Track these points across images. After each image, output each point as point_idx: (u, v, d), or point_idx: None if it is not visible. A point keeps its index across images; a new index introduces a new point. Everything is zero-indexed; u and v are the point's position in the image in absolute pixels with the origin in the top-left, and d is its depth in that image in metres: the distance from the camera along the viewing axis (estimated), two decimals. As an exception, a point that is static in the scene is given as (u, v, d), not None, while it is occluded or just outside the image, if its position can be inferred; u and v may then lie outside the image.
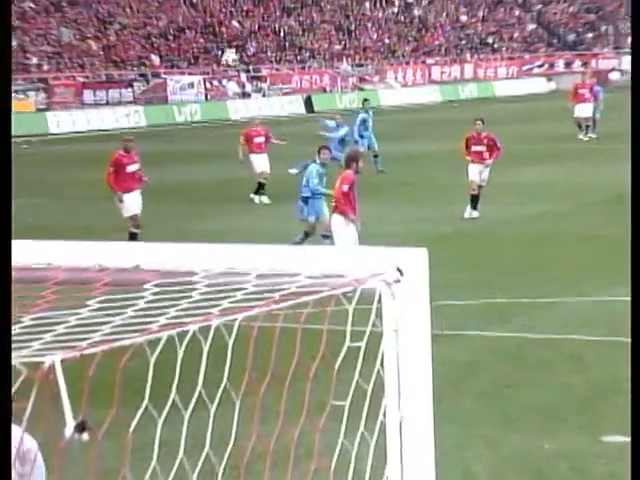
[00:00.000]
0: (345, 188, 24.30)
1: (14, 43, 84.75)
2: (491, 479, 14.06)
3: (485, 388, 17.42)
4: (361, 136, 43.65)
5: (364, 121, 45.43)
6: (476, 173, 32.95)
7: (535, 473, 14.30)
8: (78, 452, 10.82)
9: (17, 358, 5.17)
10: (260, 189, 39.01)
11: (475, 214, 32.44)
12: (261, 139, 40.90)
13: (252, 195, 39.15)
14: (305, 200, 27.74)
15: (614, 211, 32.60)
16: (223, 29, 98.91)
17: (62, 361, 5.22)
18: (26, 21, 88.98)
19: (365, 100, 51.30)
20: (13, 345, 5.33)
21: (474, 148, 33.44)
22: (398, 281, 4.74)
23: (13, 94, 77.15)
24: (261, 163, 39.68)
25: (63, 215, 35.42)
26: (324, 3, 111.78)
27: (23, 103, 76.25)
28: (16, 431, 10.15)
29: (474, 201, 32.60)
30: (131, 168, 29.04)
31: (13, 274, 5.33)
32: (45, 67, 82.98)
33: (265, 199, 38.57)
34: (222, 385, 5.32)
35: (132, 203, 28.80)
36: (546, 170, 37.75)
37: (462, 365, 17.73)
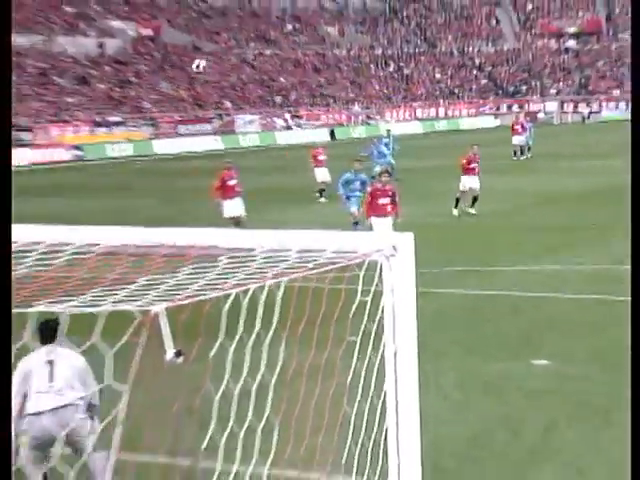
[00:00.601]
0: (371, 193, 24.24)
1: (132, 93, 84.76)
2: (455, 391, 14.05)
3: (451, 329, 17.45)
4: (384, 154, 43.15)
5: (386, 144, 45.09)
6: (469, 183, 32.81)
7: (487, 388, 14.29)
8: (175, 372, 10.73)
9: (135, 307, 5.17)
10: (321, 192, 38.58)
11: (455, 212, 32.27)
12: (323, 157, 40.46)
13: (317, 195, 38.64)
14: (348, 198, 27.71)
15: (544, 209, 32.73)
16: (273, 82, 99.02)
17: (165, 309, 5.24)
18: (140, 77, 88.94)
19: (388, 130, 51.20)
20: (131, 298, 5.34)
21: (472, 165, 33.27)
22: (393, 255, 4.83)
23: (131, 127, 77.20)
24: (322, 174, 39.33)
25: (169, 211, 35.30)
26: (342, 65, 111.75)
27: (138, 134, 76.19)
28: (66, 351, 10.06)
29: (457, 202, 32.51)
30: (231, 182, 29.14)
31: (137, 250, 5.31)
32: (153, 109, 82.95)
33: (323, 199, 38.01)
34: (273, 326, 5.33)
35: (232, 207, 28.78)
36: (492, 180, 37.47)
37: (434, 313, 17.69)
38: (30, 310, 5.67)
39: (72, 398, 9.66)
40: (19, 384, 9.52)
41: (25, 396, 9.51)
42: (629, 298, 6.43)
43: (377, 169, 34.15)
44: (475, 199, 32.78)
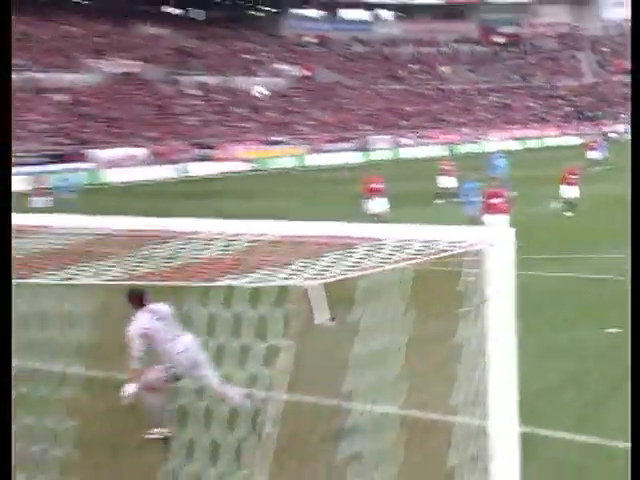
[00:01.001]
0: (485, 195, 23.88)
1: (292, 119, 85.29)
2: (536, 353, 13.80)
3: (548, 305, 17.01)
4: (497, 166, 42.02)
5: (498, 157, 44.25)
6: (568, 191, 32.32)
7: (563, 352, 13.97)
8: (325, 332, 10.72)
9: (295, 281, 5.27)
10: (441, 195, 37.27)
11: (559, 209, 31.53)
12: (449, 167, 39.34)
13: (436, 197, 37.49)
14: (467, 202, 27.35)
15: (622, 209, 32.03)
16: (401, 110, 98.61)
17: (320, 284, 5.34)
18: (299, 107, 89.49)
19: (499, 150, 50.45)
20: (288, 279, 5.45)
21: (571, 176, 32.74)
22: (493, 245, 4.80)
23: (291, 145, 77.81)
24: (447, 181, 38.05)
25: (318, 210, 35.21)
26: (454, 96, 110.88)
27: (296, 150, 76.84)
28: (163, 306, 10.00)
29: (562, 205, 32.10)
30: (376, 185, 29.16)
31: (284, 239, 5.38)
32: (308, 131, 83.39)
33: (441, 201, 36.69)
34: (403, 300, 5.33)
35: (376, 205, 28.66)
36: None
37: (536, 292, 17.19)
38: (219, 284, 5.79)
39: (188, 341, 9.54)
40: (139, 343, 9.32)
41: (143, 351, 9.40)
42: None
43: (492, 176, 33.59)
44: (571, 204, 32.14)
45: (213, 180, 59.19)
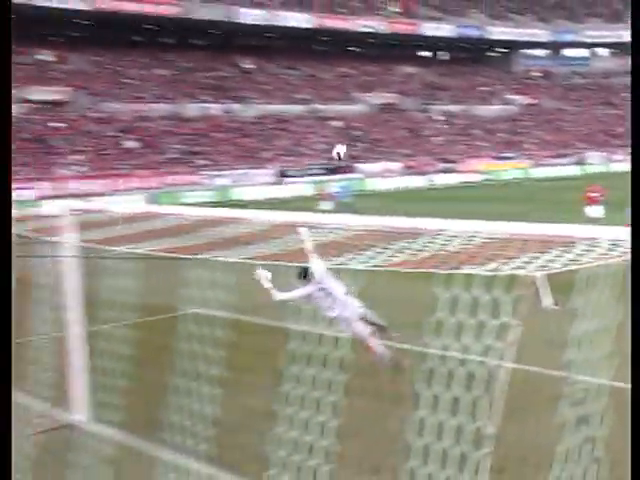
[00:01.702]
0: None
1: (520, 138, 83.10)
2: None
3: None
4: None
5: None
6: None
7: None
8: (549, 314, 10.20)
9: (525, 271, 5.13)
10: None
11: None
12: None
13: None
14: None
15: None
16: (613, 131, 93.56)
17: (543, 275, 5.16)
18: (526, 129, 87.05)
19: None
20: (518, 269, 5.31)
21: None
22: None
23: (516, 160, 75.82)
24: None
25: (537, 215, 33.75)
26: None
27: (521, 164, 74.73)
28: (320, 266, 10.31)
29: None
30: (593, 194, 28.23)
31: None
32: (533, 149, 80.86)
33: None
34: (604, 290, 5.07)
35: (593, 212, 27.04)
36: None
37: None
38: (454, 272, 5.73)
39: (343, 305, 10.05)
40: (310, 295, 9.98)
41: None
42: None
43: None
44: None
45: (454, 188, 59.08)
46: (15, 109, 61.05)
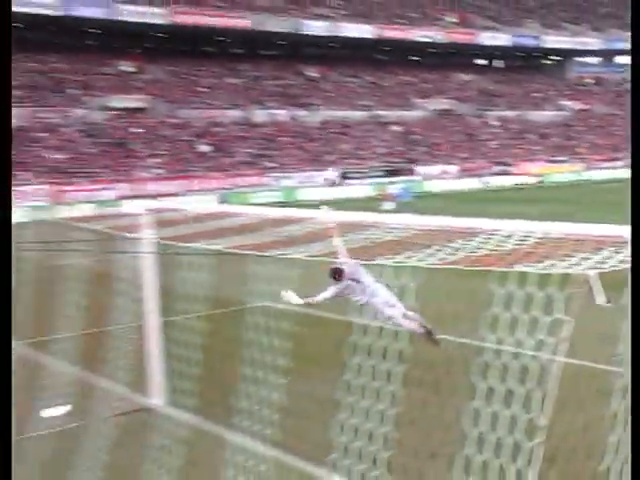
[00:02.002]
0: None
1: (571, 142, 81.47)
2: None
3: None
4: None
5: None
6: None
7: None
8: (602, 310, 10.00)
9: (579, 269, 5.03)
10: None
11: None
12: None
13: None
14: None
15: None
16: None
17: (597, 273, 5.04)
18: (581, 134, 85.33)
19: None
20: (571, 268, 5.22)
21: None
22: None
23: (570, 163, 74.33)
24: None
25: (589, 216, 33.15)
26: None
27: (574, 167, 73.21)
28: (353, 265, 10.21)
29: None
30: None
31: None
32: (585, 152, 79.16)
33: None
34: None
35: None
36: None
37: None
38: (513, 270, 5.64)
39: (372, 296, 9.92)
40: (340, 292, 9.93)
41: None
42: None
43: None
44: None
45: (508, 190, 58.33)
46: (99, 116, 62.42)
